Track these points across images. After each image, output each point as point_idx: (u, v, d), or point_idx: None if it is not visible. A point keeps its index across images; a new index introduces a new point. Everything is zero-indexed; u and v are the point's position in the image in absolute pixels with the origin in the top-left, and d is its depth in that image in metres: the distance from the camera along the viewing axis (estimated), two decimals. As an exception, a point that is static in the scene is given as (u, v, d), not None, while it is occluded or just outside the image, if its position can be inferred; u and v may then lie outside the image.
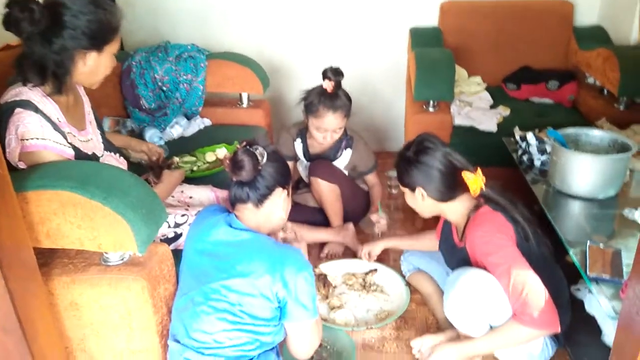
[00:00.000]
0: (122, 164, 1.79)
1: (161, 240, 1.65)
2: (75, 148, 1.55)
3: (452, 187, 1.62)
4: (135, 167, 2.15)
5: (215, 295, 1.35)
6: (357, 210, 2.47)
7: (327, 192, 2.35)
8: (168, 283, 1.50)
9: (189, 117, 2.65)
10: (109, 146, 1.75)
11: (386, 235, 2.40)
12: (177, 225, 1.67)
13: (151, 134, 2.46)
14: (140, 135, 2.48)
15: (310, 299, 1.38)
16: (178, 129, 2.54)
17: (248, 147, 1.41)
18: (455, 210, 1.67)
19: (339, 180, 2.36)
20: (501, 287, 1.50)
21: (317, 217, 2.48)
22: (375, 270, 2.21)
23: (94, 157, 1.62)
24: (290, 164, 2.43)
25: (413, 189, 1.67)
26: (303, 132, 2.38)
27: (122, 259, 1.43)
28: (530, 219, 1.60)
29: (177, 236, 1.67)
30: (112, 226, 1.30)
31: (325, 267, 2.27)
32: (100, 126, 1.77)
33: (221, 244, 1.41)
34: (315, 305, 1.41)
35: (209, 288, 1.36)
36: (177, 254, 1.60)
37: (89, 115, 1.71)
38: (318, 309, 1.45)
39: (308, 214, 2.48)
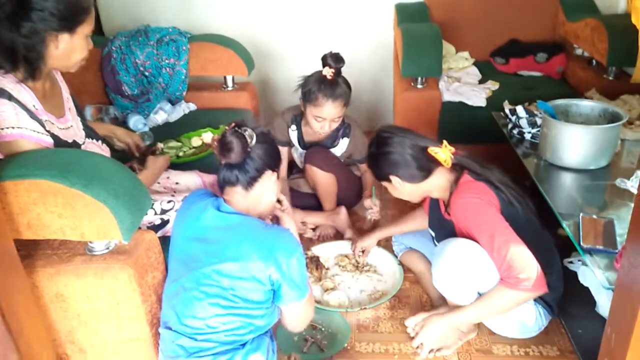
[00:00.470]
0: (105, 151, 1.74)
1: (148, 227, 1.61)
2: (54, 136, 1.50)
3: (422, 166, 1.63)
4: (120, 155, 2.10)
5: (207, 280, 1.33)
6: (350, 196, 2.45)
7: (322, 180, 2.32)
8: (156, 271, 1.47)
9: (173, 102, 2.60)
10: (90, 133, 1.70)
11: (379, 223, 2.39)
12: (163, 211, 1.64)
13: (135, 120, 2.40)
14: (123, 123, 2.43)
15: (302, 278, 1.37)
16: (162, 114, 2.49)
17: (237, 128, 1.37)
18: (436, 186, 1.68)
19: (335, 168, 2.32)
20: (486, 253, 1.50)
21: (310, 202, 2.45)
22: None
23: (75, 145, 1.57)
24: (283, 149, 2.40)
25: (389, 180, 1.68)
26: (298, 118, 2.33)
27: (108, 248, 1.40)
28: (509, 183, 1.60)
29: (164, 223, 1.63)
30: (94, 214, 1.26)
31: (317, 249, 2.25)
32: (80, 113, 1.71)
33: (210, 228, 1.38)
34: (306, 284, 1.40)
35: (199, 273, 1.34)
36: (165, 241, 1.57)
37: (68, 102, 1.65)
38: (309, 285, 1.44)
39: (300, 199, 2.45)
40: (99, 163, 1.34)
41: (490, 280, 1.53)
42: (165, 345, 1.38)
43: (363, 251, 2.14)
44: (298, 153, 2.43)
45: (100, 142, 1.73)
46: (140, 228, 1.59)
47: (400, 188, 1.68)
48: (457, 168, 1.65)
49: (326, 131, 2.20)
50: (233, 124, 1.39)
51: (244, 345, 1.37)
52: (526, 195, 1.65)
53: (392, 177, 1.66)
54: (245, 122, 1.41)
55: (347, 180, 2.43)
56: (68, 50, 1.42)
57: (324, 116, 2.14)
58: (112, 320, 1.40)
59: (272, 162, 1.45)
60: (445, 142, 1.63)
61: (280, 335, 1.82)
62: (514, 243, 1.47)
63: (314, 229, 2.41)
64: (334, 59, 2.11)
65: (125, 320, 1.40)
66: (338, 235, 2.40)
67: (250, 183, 1.41)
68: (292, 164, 2.58)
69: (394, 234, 2.11)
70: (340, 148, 2.37)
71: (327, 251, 2.26)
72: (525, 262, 1.45)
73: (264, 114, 3.11)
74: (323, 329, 1.87)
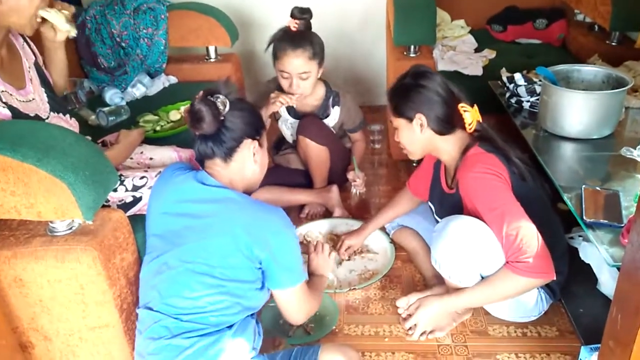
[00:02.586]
0: (74, 126, 1.62)
1: (118, 205, 1.50)
2: (12, 108, 1.39)
3: (451, 118, 1.49)
4: (95, 131, 1.98)
5: (193, 257, 1.24)
6: (340, 170, 2.32)
7: (315, 154, 2.20)
8: (125, 252, 1.36)
9: (152, 75, 2.46)
10: (57, 107, 1.58)
11: (367, 200, 2.27)
12: (135, 188, 1.52)
13: (111, 94, 2.27)
14: (99, 97, 2.30)
15: (294, 261, 1.30)
16: (141, 88, 2.36)
17: (207, 96, 1.27)
18: (449, 147, 1.54)
19: (328, 141, 2.20)
20: (493, 233, 1.39)
21: (299, 180, 2.34)
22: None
23: (37, 119, 1.45)
24: (268, 121, 2.27)
25: (411, 119, 1.51)
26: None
27: (71, 228, 1.29)
28: (527, 161, 1.49)
29: (136, 200, 1.52)
30: (50, 191, 1.14)
31: (305, 228, 2.14)
32: (47, 84, 1.59)
33: (194, 202, 1.28)
34: (300, 269, 1.33)
35: (184, 250, 1.25)
36: (138, 220, 1.46)
37: (30, 72, 1.53)
38: (302, 269, 1.35)
39: (289, 176, 2.33)
40: (57, 135, 1.22)
41: (494, 263, 1.42)
42: (144, 326, 1.28)
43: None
44: (287, 124, 2.30)
45: (68, 116, 1.60)
46: (109, 206, 1.49)
47: (417, 132, 1.51)
48: (475, 136, 1.51)
49: (295, 91, 2.05)
50: (202, 92, 1.29)
51: (230, 327, 1.28)
52: (540, 175, 1.53)
53: (418, 115, 1.48)
54: (217, 89, 1.30)
55: (340, 154, 2.31)
56: (15, 4, 1.29)
57: (288, 70, 2.01)
58: (77, 306, 1.30)
59: (251, 130, 1.34)
60: (475, 106, 1.49)
61: (265, 318, 1.72)
62: (525, 225, 1.34)
63: (302, 207, 2.31)
64: (300, 10, 2.00)
65: (91, 305, 1.30)
66: (327, 214, 2.30)
67: (228, 154, 1.31)
68: (280, 138, 2.46)
69: (381, 225, 1.98)
70: (333, 118, 2.25)
71: (315, 230, 2.16)
72: (535, 246, 1.33)
73: (250, 87, 2.97)
74: (310, 311, 1.77)
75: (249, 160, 1.35)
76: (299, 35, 1.99)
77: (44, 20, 1.50)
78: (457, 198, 1.52)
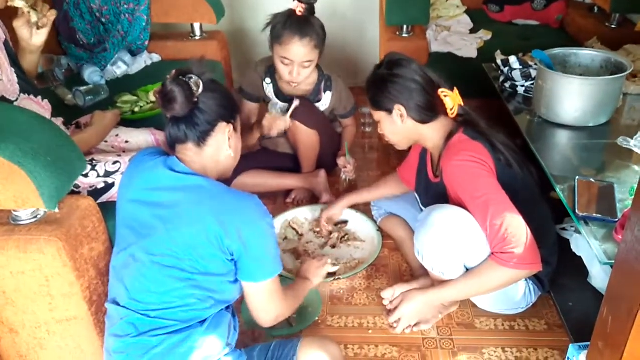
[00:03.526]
0: (46, 108, 1.53)
1: (89, 192, 1.42)
2: (-26, 89, 1.30)
3: (431, 105, 1.43)
4: (71, 111, 1.90)
5: (161, 249, 1.17)
6: (329, 155, 2.24)
7: (305, 138, 2.12)
8: (95, 242, 1.29)
9: (134, 53, 2.37)
10: (27, 88, 1.49)
11: (356, 184, 2.20)
12: (108, 174, 1.45)
13: (90, 72, 2.18)
14: (78, 75, 2.20)
15: (267, 253, 1.22)
16: (122, 66, 2.26)
17: (180, 76, 1.20)
18: (432, 135, 1.48)
19: (319, 124, 2.13)
20: (477, 223, 1.33)
21: (287, 164, 2.27)
22: (346, 222, 2.02)
23: (4, 102, 1.36)
24: (253, 106, 2.19)
25: (390, 110, 1.46)
26: (272, 70, 2.10)
27: (36, 217, 1.22)
28: (513, 147, 1.43)
29: (109, 186, 1.45)
30: (8, 179, 1.07)
31: (291, 214, 2.08)
32: (16, 64, 1.50)
33: (163, 190, 1.21)
34: (274, 262, 1.24)
35: (152, 241, 1.18)
36: (110, 207, 1.39)
37: (-1, 52, 1.44)
38: (278, 261, 1.26)
39: (277, 161, 2.26)
40: (17, 117, 1.14)
41: (479, 254, 1.36)
42: (111, 322, 1.22)
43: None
44: (277, 108, 2.21)
45: (40, 97, 1.52)
46: (79, 193, 1.42)
47: (398, 123, 1.46)
48: (459, 122, 1.46)
49: (295, 79, 1.97)
50: (174, 72, 1.21)
51: (202, 322, 1.21)
52: (529, 162, 1.47)
53: (397, 107, 1.43)
54: (190, 69, 1.22)
55: (329, 138, 2.24)
56: None
57: (291, 57, 1.92)
58: (43, 299, 1.23)
59: (226, 113, 1.27)
60: (456, 89, 1.43)
61: (245, 310, 1.65)
62: (510, 214, 1.29)
63: (288, 192, 2.24)
64: None
65: (58, 298, 1.23)
66: (315, 200, 2.23)
67: (202, 138, 1.24)
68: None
69: (364, 200, 1.93)
70: (324, 103, 2.17)
71: (301, 216, 2.09)
72: (521, 236, 1.28)
73: (238, 67, 2.88)
74: (293, 301, 1.72)
75: (224, 145, 1.28)
76: (305, 22, 1.89)
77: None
78: (442, 187, 1.46)
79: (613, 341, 1.00)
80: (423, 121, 1.45)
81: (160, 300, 1.17)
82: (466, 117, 1.46)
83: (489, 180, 1.33)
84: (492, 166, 1.36)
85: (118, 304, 1.20)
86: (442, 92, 1.40)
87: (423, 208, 1.61)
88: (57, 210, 1.22)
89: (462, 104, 1.43)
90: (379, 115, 1.51)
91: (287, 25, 1.89)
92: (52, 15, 1.50)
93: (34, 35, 1.49)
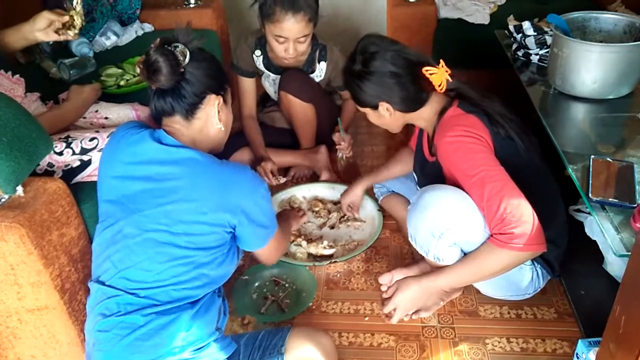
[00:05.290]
0: (17, 83, 1.44)
1: (64, 171, 1.33)
2: None
3: (417, 89, 1.32)
4: (56, 85, 1.80)
5: (153, 224, 1.10)
6: (331, 131, 2.10)
7: (300, 111, 2.01)
8: (66, 227, 1.21)
9: (124, 23, 2.25)
10: (-1, 62, 1.39)
11: (354, 163, 2.10)
12: (84, 151, 1.35)
13: (77, 44, 2.06)
14: (65, 47, 2.09)
15: (267, 217, 1.22)
16: (111, 37, 2.15)
17: (165, 45, 1.13)
18: (425, 115, 1.38)
19: (314, 97, 2.00)
20: (474, 203, 1.22)
21: (286, 139, 2.16)
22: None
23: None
24: (249, 81, 2.07)
25: (375, 107, 1.36)
26: (262, 40, 1.98)
27: (0, 201, 1.13)
28: (511, 116, 1.31)
29: (85, 164, 1.35)
30: (-41, 162, 0.98)
31: (289, 192, 1.98)
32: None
33: (152, 163, 1.13)
34: (274, 220, 1.26)
35: (143, 216, 1.11)
36: (86, 187, 1.31)
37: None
38: (275, 220, 1.27)
39: (275, 136, 2.15)
40: (-32, 95, 1.04)
41: (477, 237, 1.25)
42: (95, 302, 1.14)
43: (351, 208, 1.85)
44: (270, 81, 2.09)
45: (10, 73, 1.42)
46: (53, 173, 1.33)
47: (386, 116, 1.37)
48: (451, 95, 1.35)
49: (291, 55, 1.85)
50: (159, 40, 1.14)
51: (192, 305, 1.14)
52: (531, 131, 1.34)
53: (381, 103, 1.34)
54: (176, 37, 1.15)
55: (328, 111, 2.12)
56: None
57: (286, 35, 1.79)
58: (10, 287, 1.16)
59: (215, 84, 1.20)
60: (442, 61, 1.31)
61: (236, 294, 1.59)
62: (509, 191, 1.17)
63: (287, 170, 2.13)
64: None
65: (26, 287, 1.16)
66: (314, 177, 2.12)
67: (190, 111, 1.17)
68: (265, 95, 2.26)
69: (384, 179, 1.79)
70: (319, 75, 2.04)
71: (299, 194, 1.99)
72: (521, 215, 1.16)
73: (235, 37, 2.74)
74: (287, 285, 1.64)
75: (213, 118, 1.21)
76: None
77: None
78: (437, 166, 1.34)
79: (626, 344, 0.89)
80: (412, 110, 1.35)
81: (152, 278, 1.11)
82: (458, 89, 1.34)
83: (485, 156, 1.22)
84: (489, 140, 1.25)
85: (103, 283, 1.13)
86: (427, 70, 1.28)
87: (418, 188, 1.50)
88: (21, 194, 1.14)
89: (450, 79, 1.30)
90: (364, 110, 1.41)
91: (278, 1, 1.75)
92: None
93: (49, 37, 1.50)
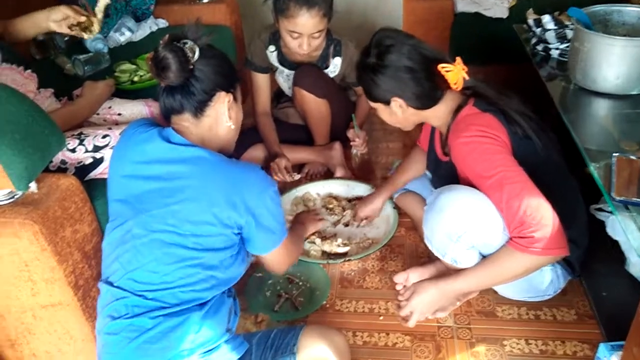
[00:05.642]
0: (30, 78, 1.44)
1: (76, 168, 1.33)
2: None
3: (432, 86, 1.28)
4: (71, 81, 1.81)
5: (161, 224, 1.09)
6: (343, 126, 2.08)
7: (314, 107, 1.98)
8: (79, 223, 1.20)
9: (139, 19, 2.25)
10: (9, 56, 1.39)
11: (369, 160, 2.06)
12: (96, 148, 1.35)
13: (92, 40, 2.07)
14: (79, 43, 2.10)
15: (276, 220, 1.18)
16: (125, 32, 2.15)
17: (174, 41, 1.11)
18: (439, 113, 1.34)
19: (328, 93, 1.98)
20: (493, 205, 1.19)
21: (300, 136, 2.14)
22: (361, 198, 1.87)
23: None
24: (263, 77, 2.05)
25: (388, 102, 1.32)
26: (276, 35, 1.96)
27: (13, 197, 1.13)
28: (529, 114, 1.27)
29: (97, 162, 1.35)
30: (-28, 158, 0.98)
31: (303, 190, 1.97)
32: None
33: (160, 162, 1.12)
34: (283, 224, 1.21)
35: (150, 216, 1.09)
36: (99, 185, 1.30)
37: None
38: (286, 226, 1.24)
39: (289, 132, 2.13)
40: (-19, 91, 1.04)
41: (495, 240, 1.22)
42: (104, 303, 1.13)
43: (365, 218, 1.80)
44: (284, 76, 2.07)
45: (22, 68, 1.42)
46: (66, 169, 1.32)
47: (398, 113, 1.33)
48: (467, 93, 1.31)
49: (305, 51, 1.83)
50: (168, 37, 1.12)
51: (201, 306, 1.13)
52: (550, 128, 1.31)
53: (395, 99, 1.30)
54: (185, 33, 1.13)
55: (343, 107, 2.09)
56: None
57: (300, 30, 1.76)
58: (24, 284, 1.16)
59: (225, 81, 1.18)
60: (459, 59, 1.27)
61: (249, 291, 1.58)
62: (529, 193, 1.14)
63: (301, 166, 2.11)
64: None
65: (40, 283, 1.16)
66: (328, 174, 2.10)
67: (199, 108, 1.15)
68: (279, 92, 2.24)
69: (401, 185, 1.76)
70: (333, 70, 2.01)
71: (313, 192, 1.97)
72: (542, 217, 1.12)
73: (250, 32, 2.72)
74: (300, 283, 1.63)
75: (223, 116, 1.19)
76: None
77: None
78: (451, 166, 1.31)
79: (652, 348, 0.86)
80: (426, 107, 1.31)
81: (159, 280, 1.09)
82: (474, 88, 1.30)
83: (503, 157, 1.18)
84: (507, 140, 1.21)
85: (111, 284, 1.12)
86: (443, 67, 1.24)
87: (433, 189, 1.47)
88: (35, 190, 1.14)
89: (467, 77, 1.26)
90: (375, 105, 1.38)
91: None
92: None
93: (62, 29, 1.52)
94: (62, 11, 1.49)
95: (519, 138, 1.23)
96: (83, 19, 1.53)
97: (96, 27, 1.57)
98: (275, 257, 1.24)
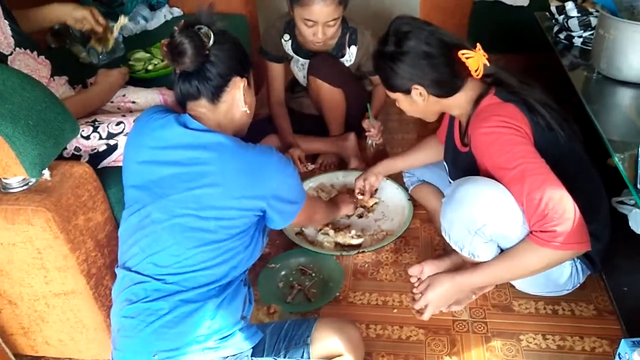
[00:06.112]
0: (44, 65, 1.43)
1: (90, 155, 1.32)
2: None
3: (452, 73, 1.24)
4: (86, 69, 1.80)
5: (182, 209, 1.09)
6: (361, 117, 2.04)
7: (329, 96, 1.96)
8: (92, 211, 1.20)
9: (154, 7, 2.24)
10: (24, 42, 1.39)
11: (384, 150, 2.03)
12: (110, 135, 1.34)
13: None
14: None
15: (296, 192, 1.22)
16: (140, 21, 2.15)
17: (189, 27, 1.11)
18: (460, 102, 1.30)
19: (344, 82, 1.95)
20: (513, 198, 1.16)
21: (314, 126, 2.12)
22: (375, 190, 1.83)
23: (-5, 55, 1.27)
24: (277, 67, 2.03)
25: (408, 91, 1.29)
26: (291, 24, 1.93)
27: (27, 185, 1.13)
28: (551, 104, 1.23)
29: (111, 149, 1.34)
30: (-15, 144, 0.98)
31: (317, 180, 1.95)
32: (11, 16, 1.39)
33: (178, 148, 1.12)
34: (301, 193, 1.25)
35: (171, 201, 1.09)
36: (112, 172, 1.30)
37: (-12, 2, 1.34)
38: (304, 193, 1.27)
39: (302, 122, 2.11)
40: (-6, 77, 1.03)
41: (515, 233, 1.19)
42: (121, 288, 1.13)
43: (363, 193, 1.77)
44: (299, 65, 2.05)
45: (36, 53, 1.41)
46: (79, 157, 1.32)
47: (419, 102, 1.30)
48: (488, 82, 1.27)
49: (320, 40, 1.80)
50: (183, 22, 1.12)
51: (218, 293, 1.13)
52: (572, 120, 1.27)
53: (415, 87, 1.27)
54: (199, 19, 1.13)
55: (358, 97, 2.06)
56: None
57: (315, 19, 1.74)
58: (37, 271, 1.16)
59: (239, 66, 1.18)
60: (479, 45, 1.23)
61: (262, 282, 1.57)
62: (551, 185, 1.10)
63: (315, 157, 2.09)
64: None
65: (53, 271, 1.16)
66: (343, 165, 2.08)
67: (215, 94, 1.16)
68: (294, 81, 2.21)
69: (401, 169, 1.74)
70: (349, 59, 1.99)
71: (328, 182, 1.95)
72: (564, 211, 1.09)
73: (265, 21, 2.70)
74: (314, 274, 1.61)
75: (240, 102, 1.19)
76: None
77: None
78: (471, 157, 1.28)
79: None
80: (447, 95, 1.28)
81: (180, 264, 1.09)
82: (496, 75, 1.26)
83: (525, 148, 1.15)
84: (529, 131, 1.18)
85: (129, 269, 1.12)
86: (463, 54, 1.20)
87: (451, 180, 1.44)
88: (48, 178, 1.13)
89: (488, 63, 1.23)
90: (395, 95, 1.34)
91: None
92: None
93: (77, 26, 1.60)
94: (85, 13, 1.57)
95: (541, 129, 1.19)
96: (100, 29, 1.61)
97: (110, 43, 1.67)
98: (297, 221, 1.26)
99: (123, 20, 1.67)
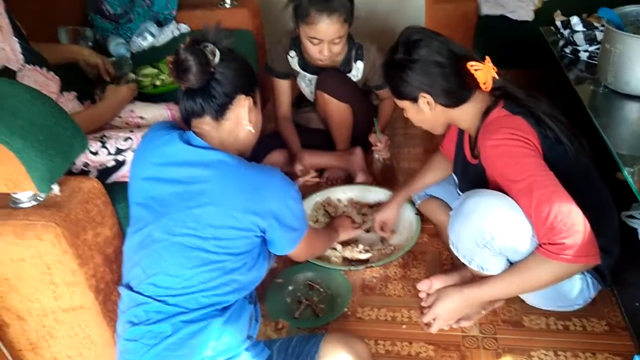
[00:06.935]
0: (53, 80, 1.45)
1: (99, 170, 1.33)
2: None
3: (460, 85, 1.25)
4: (94, 85, 1.82)
5: (181, 228, 1.08)
6: (367, 132, 2.04)
7: (336, 112, 1.97)
8: (101, 226, 1.20)
9: (161, 23, 2.26)
10: (33, 58, 1.41)
11: (391, 166, 2.02)
12: (119, 151, 1.35)
13: (115, 44, 2.09)
14: (104, 46, 2.12)
15: (298, 219, 1.19)
16: (148, 37, 2.17)
17: (195, 44, 1.11)
18: (468, 114, 1.30)
19: (351, 97, 1.96)
20: (521, 210, 1.15)
21: (320, 141, 2.12)
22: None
23: (5, 72, 1.28)
24: (284, 83, 2.04)
25: (415, 99, 1.29)
26: (297, 41, 1.95)
27: (36, 199, 1.13)
28: (559, 117, 1.23)
29: (120, 165, 1.35)
30: (-4, 160, 0.98)
31: (323, 195, 1.94)
32: (20, 33, 1.41)
33: (180, 165, 1.12)
34: (304, 219, 1.23)
35: (171, 220, 1.09)
36: (121, 188, 1.30)
37: None
38: (306, 221, 1.26)
39: (309, 137, 2.11)
40: (6, 93, 1.04)
41: (525, 246, 1.18)
42: (124, 307, 1.13)
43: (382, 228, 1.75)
44: (306, 81, 2.06)
45: (45, 69, 1.43)
46: (88, 172, 1.32)
47: (426, 111, 1.30)
48: (496, 95, 1.28)
49: (326, 57, 1.81)
50: (189, 39, 1.13)
51: (222, 312, 1.11)
52: (580, 133, 1.27)
53: (423, 95, 1.27)
54: (206, 36, 1.13)
55: (364, 112, 2.07)
56: None
57: (320, 37, 1.75)
58: (46, 287, 1.16)
59: (245, 84, 1.18)
60: (488, 58, 1.24)
61: (270, 297, 1.56)
62: (560, 198, 1.10)
63: (321, 172, 2.09)
64: None
65: (61, 286, 1.15)
66: (349, 179, 2.08)
67: (220, 112, 1.15)
68: (300, 97, 2.22)
69: (417, 191, 1.73)
70: (356, 74, 2.00)
71: (334, 197, 1.95)
72: (573, 223, 1.08)
73: (271, 37, 2.72)
74: (321, 290, 1.60)
75: (244, 120, 1.18)
76: None
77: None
78: (480, 170, 1.28)
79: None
80: (454, 104, 1.28)
81: (180, 285, 1.08)
82: (504, 88, 1.27)
83: (533, 160, 1.15)
84: (537, 143, 1.18)
85: (132, 289, 1.11)
86: (472, 65, 1.21)
87: (460, 193, 1.43)
88: (57, 193, 1.14)
89: (497, 76, 1.24)
90: (402, 104, 1.35)
91: (313, 2, 1.71)
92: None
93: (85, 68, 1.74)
94: (98, 61, 1.72)
95: (550, 142, 1.19)
96: (107, 79, 1.72)
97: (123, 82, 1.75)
98: (296, 252, 1.25)
99: (131, 76, 1.77)
